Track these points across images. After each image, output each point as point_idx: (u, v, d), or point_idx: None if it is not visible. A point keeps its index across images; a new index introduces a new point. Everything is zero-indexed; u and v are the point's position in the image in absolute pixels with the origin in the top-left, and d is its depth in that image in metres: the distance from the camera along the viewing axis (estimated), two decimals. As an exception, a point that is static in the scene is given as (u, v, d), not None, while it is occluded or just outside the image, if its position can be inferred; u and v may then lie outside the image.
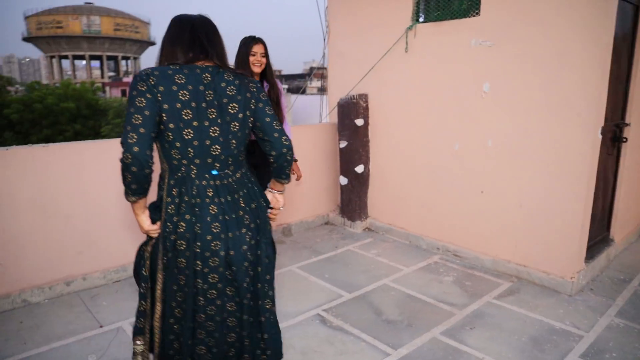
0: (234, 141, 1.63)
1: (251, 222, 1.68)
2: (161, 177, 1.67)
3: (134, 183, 1.50)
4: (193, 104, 1.54)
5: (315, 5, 4.52)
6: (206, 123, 1.56)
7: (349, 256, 3.80)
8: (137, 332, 1.71)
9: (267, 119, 1.67)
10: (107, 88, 42.90)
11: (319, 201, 4.59)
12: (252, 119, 1.67)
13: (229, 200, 1.63)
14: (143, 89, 1.48)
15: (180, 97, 1.51)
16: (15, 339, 2.56)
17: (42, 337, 2.59)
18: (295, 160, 3.34)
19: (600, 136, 2.99)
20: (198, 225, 1.57)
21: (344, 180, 4.41)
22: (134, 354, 1.72)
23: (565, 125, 3.01)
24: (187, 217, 1.58)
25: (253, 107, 1.66)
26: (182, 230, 1.58)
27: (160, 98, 1.49)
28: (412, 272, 3.48)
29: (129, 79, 56.98)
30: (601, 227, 3.62)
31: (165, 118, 1.51)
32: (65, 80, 28.52)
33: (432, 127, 3.78)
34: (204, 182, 1.60)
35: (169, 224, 1.59)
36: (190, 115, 1.53)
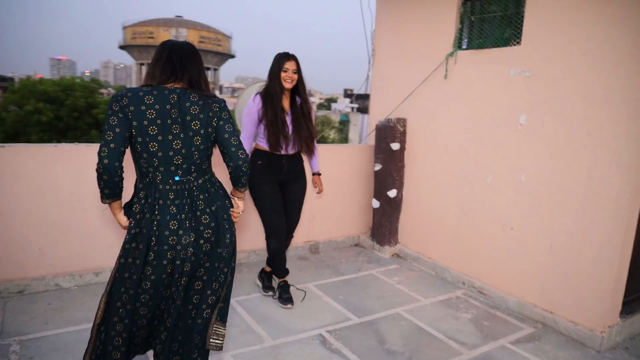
0: (196, 152, 1.83)
1: (211, 222, 1.86)
2: (135, 180, 1.88)
3: (106, 188, 1.74)
4: (159, 121, 1.74)
5: (363, 26, 4.58)
6: (170, 137, 1.77)
7: (369, 280, 3.77)
8: None
9: (226, 135, 1.83)
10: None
11: (350, 222, 4.60)
12: (214, 134, 1.84)
13: (188, 202, 1.83)
14: (116, 109, 1.72)
15: (148, 115, 1.73)
16: (39, 318, 2.81)
17: (63, 320, 2.81)
18: (319, 174, 3.39)
19: (642, 181, 2.76)
20: (156, 222, 1.77)
21: (376, 204, 4.39)
22: None
23: (603, 166, 2.82)
24: (148, 215, 1.79)
25: (215, 124, 1.84)
26: (142, 225, 1.79)
27: (130, 116, 1.72)
28: (430, 304, 3.38)
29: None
30: (648, 281, 3.31)
31: (134, 133, 1.73)
32: (149, 87, 30.70)
33: (466, 157, 3.68)
34: (167, 187, 1.81)
35: (132, 220, 1.81)
36: (156, 131, 1.75)
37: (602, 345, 2.86)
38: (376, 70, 4.58)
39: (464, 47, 3.73)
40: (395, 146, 4.18)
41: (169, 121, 1.75)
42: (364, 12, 4.46)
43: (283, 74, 2.96)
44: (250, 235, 3.99)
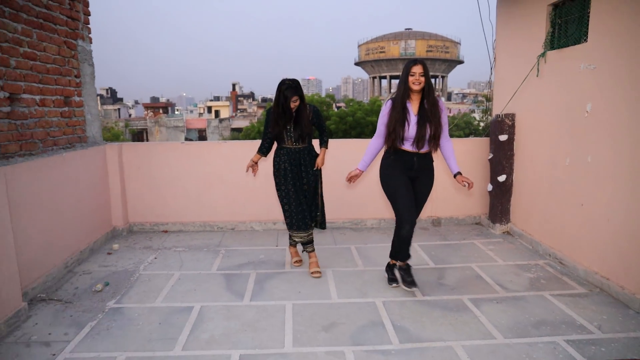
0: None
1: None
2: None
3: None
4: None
5: (486, 36, 5.36)
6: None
7: (466, 246, 4.64)
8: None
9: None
10: (411, 104, 47.83)
11: (471, 203, 5.43)
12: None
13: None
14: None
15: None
16: (238, 242, 4.82)
17: (250, 244, 4.75)
18: (460, 174, 3.50)
19: (676, 157, 3.03)
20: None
21: (489, 187, 5.14)
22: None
23: (641, 145, 3.18)
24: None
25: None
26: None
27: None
28: (504, 265, 4.11)
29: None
30: None
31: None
32: (373, 98, 34.04)
33: (552, 143, 4.21)
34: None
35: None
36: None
37: (643, 308, 3.19)
38: (497, 73, 5.31)
39: (551, 48, 4.26)
40: (502, 137, 4.88)
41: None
42: (485, 25, 5.26)
43: (411, 78, 3.24)
44: (381, 206, 5.32)
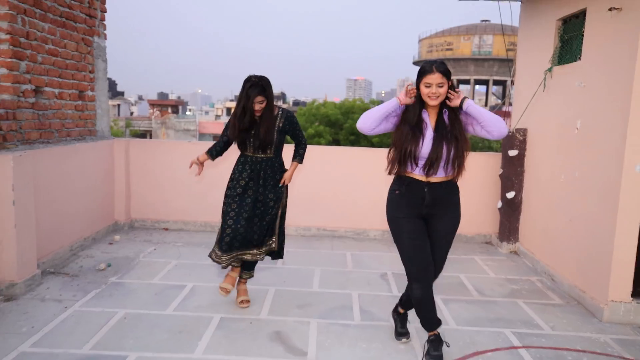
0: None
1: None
2: None
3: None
4: None
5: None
6: None
7: (464, 261, 5.88)
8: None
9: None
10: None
11: (482, 220, 6.67)
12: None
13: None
14: None
15: None
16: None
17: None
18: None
19: None
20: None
21: (499, 204, 6.37)
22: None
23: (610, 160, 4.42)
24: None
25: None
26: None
27: None
28: (494, 278, 5.33)
29: (510, 108, 61.73)
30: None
31: None
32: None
33: (552, 159, 5.45)
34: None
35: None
36: None
37: (604, 317, 4.35)
38: (516, 86, 6.59)
39: (557, 63, 5.53)
40: (512, 153, 6.14)
41: None
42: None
43: (425, 90, 3.19)
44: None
